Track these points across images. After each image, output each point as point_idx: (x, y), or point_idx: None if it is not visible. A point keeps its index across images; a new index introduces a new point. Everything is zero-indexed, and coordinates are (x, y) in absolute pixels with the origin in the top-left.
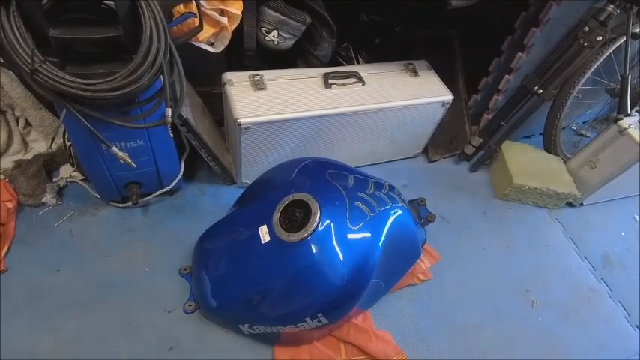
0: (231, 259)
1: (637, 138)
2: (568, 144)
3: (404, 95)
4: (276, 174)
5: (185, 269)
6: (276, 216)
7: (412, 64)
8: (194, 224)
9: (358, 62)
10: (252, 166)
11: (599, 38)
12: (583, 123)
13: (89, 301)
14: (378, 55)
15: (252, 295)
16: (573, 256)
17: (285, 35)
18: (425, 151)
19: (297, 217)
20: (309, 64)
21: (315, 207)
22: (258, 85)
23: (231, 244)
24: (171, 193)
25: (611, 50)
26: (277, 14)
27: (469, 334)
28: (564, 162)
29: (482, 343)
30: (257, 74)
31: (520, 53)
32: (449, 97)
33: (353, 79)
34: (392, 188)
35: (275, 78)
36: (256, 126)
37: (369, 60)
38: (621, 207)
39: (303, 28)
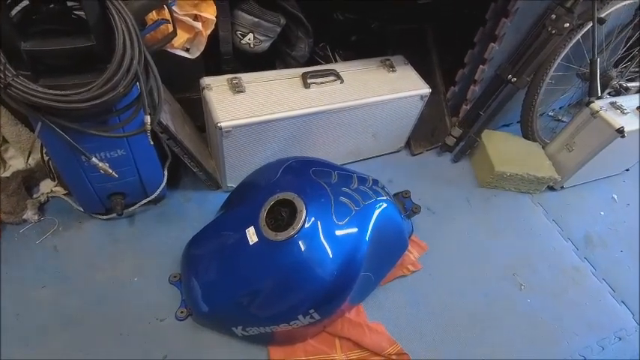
0: (221, 262)
1: (609, 120)
2: (546, 129)
3: (382, 90)
4: (260, 175)
5: (175, 277)
6: (262, 216)
7: (389, 59)
8: (181, 231)
9: (336, 60)
10: (237, 170)
11: (567, 25)
12: (560, 108)
13: (78, 316)
14: (355, 52)
15: (244, 296)
16: (557, 238)
17: (261, 37)
18: (407, 144)
19: (283, 216)
20: (287, 65)
21: (300, 205)
22: (237, 88)
23: (219, 248)
24: (156, 201)
25: (579, 36)
26: (251, 17)
27: (461, 321)
28: (543, 147)
29: (475, 329)
30: (235, 77)
31: (492, 44)
32: (426, 90)
33: (331, 78)
34: (375, 182)
35: (254, 80)
36: (237, 129)
37: (347, 58)
38: (599, 187)
39: (278, 29)
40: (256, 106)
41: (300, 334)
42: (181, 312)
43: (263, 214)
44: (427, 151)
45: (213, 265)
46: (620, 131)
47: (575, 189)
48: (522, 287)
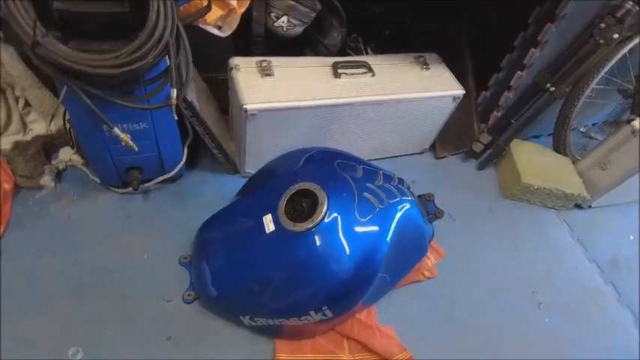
0: (234, 248)
1: None
2: (576, 145)
3: (414, 88)
4: (281, 163)
5: (185, 258)
6: (281, 205)
7: (423, 56)
8: (195, 213)
9: (367, 53)
10: (256, 156)
11: (616, 36)
12: (593, 125)
13: (85, 288)
14: (387, 47)
15: (255, 285)
16: (581, 259)
17: (295, 21)
18: (432, 147)
19: (303, 206)
20: (317, 53)
21: (322, 197)
22: (266, 71)
23: (233, 234)
24: (172, 180)
25: (627, 49)
26: (291, 0)
27: (474, 334)
28: (573, 163)
29: (487, 344)
30: (265, 60)
31: (533, 49)
32: (460, 91)
33: (363, 70)
34: (401, 181)
35: (283, 65)
36: (263, 113)
37: (378, 52)
38: (630, 210)
39: (313, 15)
40: (284, 92)
41: (309, 330)
42: (189, 295)
43: (282, 202)
44: (452, 155)
45: (225, 249)
46: None
47: (604, 209)
48: (540, 305)
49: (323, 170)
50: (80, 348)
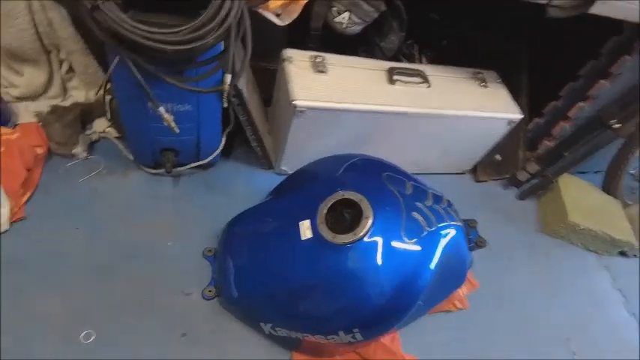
0: (263, 250)
1: None
2: (626, 188)
3: (470, 105)
4: (322, 167)
5: (209, 251)
6: (322, 212)
7: (482, 73)
8: (224, 204)
9: (421, 62)
10: (295, 154)
11: None
12: None
13: (105, 268)
14: (443, 58)
15: (282, 293)
16: (621, 311)
17: (356, 19)
18: (473, 169)
19: (345, 217)
20: (372, 55)
21: (367, 210)
22: (319, 67)
23: (264, 235)
24: (205, 167)
25: None
26: None
27: None
28: (623, 207)
29: None
30: (319, 56)
31: (603, 81)
32: (517, 115)
33: (419, 79)
34: (450, 204)
35: (337, 63)
36: (312, 111)
37: (433, 61)
38: None
39: (376, 15)
40: (336, 91)
41: (330, 349)
42: (209, 291)
43: (323, 210)
44: (492, 180)
45: (253, 250)
46: None
47: None
48: (575, 355)
49: (369, 181)
50: (93, 331)
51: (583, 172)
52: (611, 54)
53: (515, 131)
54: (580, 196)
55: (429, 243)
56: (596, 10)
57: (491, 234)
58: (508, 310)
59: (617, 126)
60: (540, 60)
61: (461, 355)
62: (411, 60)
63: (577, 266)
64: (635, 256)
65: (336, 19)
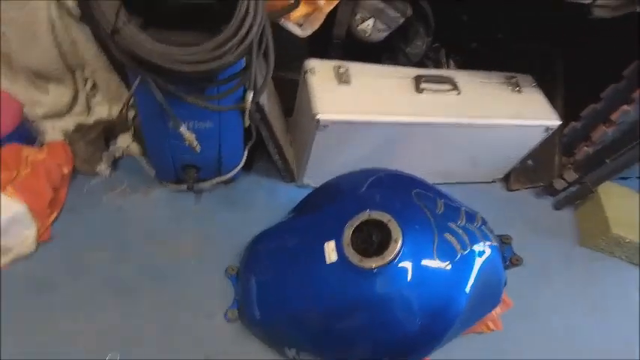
0: (287, 272)
1: None
2: None
3: (504, 113)
4: (346, 183)
5: (232, 270)
6: (347, 234)
7: (515, 77)
8: (247, 220)
9: (448, 66)
10: (318, 167)
11: None
12: None
13: (129, 289)
14: (473, 62)
15: (305, 317)
16: None
17: (381, 26)
18: (505, 177)
19: (372, 239)
20: (396, 61)
21: (396, 232)
22: (343, 78)
23: (287, 256)
24: (227, 181)
25: None
26: (377, 1)
27: None
28: None
29: None
30: (342, 66)
31: None
32: (556, 122)
33: (448, 86)
34: (484, 222)
35: (361, 73)
36: (336, 124)
37: (461, 66)
38: None
39: (402, 20)
40: (361, 103)
41: None
42: (232, 313)
43: (349, 231)
44: (526, 189)
45: (277, 271)
46: None
47: None
48: None
49: (397, 199)
50: (118, 354)
51: (624, 178)
52: None
53: (551, 137)
54: (623, 205)
55: (464, 265)
56: None
57: (524, 247)
58: (545, 331)
59: None
60: (577, 62)
61: None
62: (437, 65)
63: (621, 282)
64: None
65: (360, 27)
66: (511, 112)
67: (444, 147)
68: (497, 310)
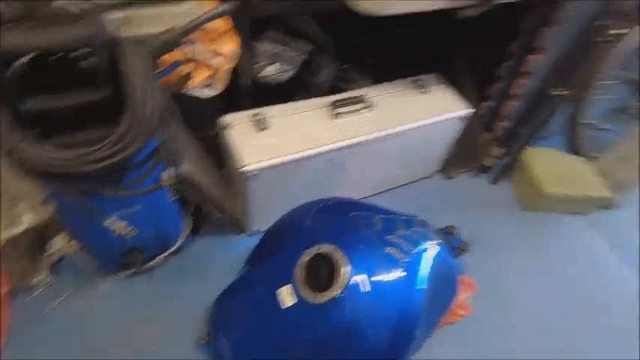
0: (254, 324)
1: None
2: (593, 142)
3: (418, 115)
4: (289, 222)
5: (203, 339)
6: (299, 274)
7: (420, 79)
8: (206, 284)
9: (362, 85)
10: (263, 212)
11: (618, 30)
12: (601, 116)
13: None
14: (384, 74)
15: None
16: (617, 265)
17: (285, 67)
18: (442, 167)
19: (322, 272)
20: (309, 94)
21: (342, 259)
22: (261, 125)
23: (251, 308)
24: (176, 252)
25: (633, 40)
26: (275, 46)
27: None
28: (591, 162)
29: None
30: (258, 113)
31: (534, 55)
32: (468, 110)
33: (360, 105)
34: (422, 223)
35: (278, 114)
36: (264, 171)
37: (375, 80)
38: None
39: (304, 57)
40: (283, 144)
41: None
42: None
43: (299, 271)
44: (462, 173)
45: (245, 326)
46: None
47: (631, 207)
48: (586, 326)
49: (338, 227)
50: None
51: (544, 138)
52: (531, 30)
53: (471, 121)
54: (548, 165)
55: (412, 270)
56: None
57: (474, 227)
58: (511, 301)
59: (563, 92)
60: (474, 49)
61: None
62: (352, 85)
63: (565, 234)
64: (618, 207)
65: (265, 72)
66: (424, 113)
67: (376, 160)
68: (463, 296)
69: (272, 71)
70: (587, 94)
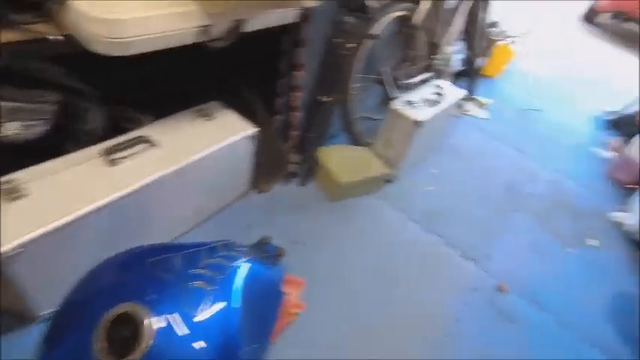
0: None
1: (407, 115)
2: (367, 131)
3: (204, 144)
4: (79, 291)
5: None
6: (99, 346)
7: (203, 108)
8: None
9: (146, 123)
10: (50, 288)
11: (351, 45)
12: (371, 109)
13: None
14: (166, 108)
15: None
16: (408, 225)
17: (31, 122)
18: (253, 184)
19: (125, 334)
20: (81, 144)
21: (142, 314)
22: (14, 193)
23: None
24: None
25: (366, 51)
26: (8, 103)
27: (360, 336)
28: (371, 148)
29: (371, 341)
30: (7, 181)
31: (297, 72)
32: (252, 130)
33: (141, 145)
34: (227, 246)
35: (36, 177)
36: (30, 246)
37: (157, 116)
38: (422, 168)
39: (53, 107)
40: (47, 210)
41: None
42: None
43: (99, 342)
44: (273, 185)
45: None
46: (417, 123)
47: (406, 176)
48: (395, 284)
49: (134, 280)
50: None
51: (334, 136)
52: (290, 50)
53: (267, 135)
54: (339, 159)
55: (223, 296)
56: (249, 28)
57: (296, 230)
58: (339, 284)
59: (327, 99)
60: (252, 72)
61: (321, 348)
62: (135, 126)
63: (369, 212)
64: (397, 179)
65: (6, 132)
66: (211, 141)
67: (176, 197)
68: (294, 295)
69: (12, 129)
70: (349, 95)
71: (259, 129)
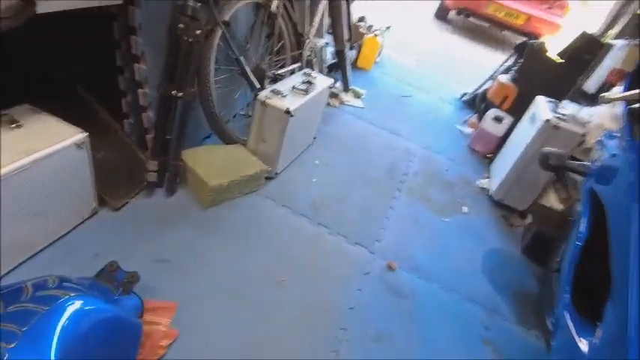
0: None
1: (276, 105)
2: (243, 128)
3: (10, 158)
4: None
5: None
6: None
7: (8, 114)
8: None
9: None
10: None
11: (198, 31)
12: (247, 105)
13: None
14: None
15: None
16: (293, 219)
17: None
18: (102, 201)
19: None
20: None
21: None
22: None
23: None
24: None
25: (217, 40)
26: None
27: (256, 345)
28: (245, 146)
29: (266, 344)
30: None
31: (137, 65)
32: (80, 135)
33: None
34: (60, 282)
35: None
36: None
37: None
38: (303, 160)
39: None
40: None
41: None
42: None
43: None
44: (132, 198)
45: None
46: (288, 112)
47: (287, 170)
48: (284, 282)
49: None
50: None
51: (208, 136)
52: (124, 39)
53: (118, 142)
54: (208, 161)
55: (39, 336)
56: (42, 10)
57: (161, 247)
58: (219, 297)
59: (180, 94)
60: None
61: None
62: None
63: (249, 213)
64: (277, 174)
65: None
66: (19, 152)
67: None
68: (164, 322)
69: None
70: (207, 89)
71: (93, 134)
